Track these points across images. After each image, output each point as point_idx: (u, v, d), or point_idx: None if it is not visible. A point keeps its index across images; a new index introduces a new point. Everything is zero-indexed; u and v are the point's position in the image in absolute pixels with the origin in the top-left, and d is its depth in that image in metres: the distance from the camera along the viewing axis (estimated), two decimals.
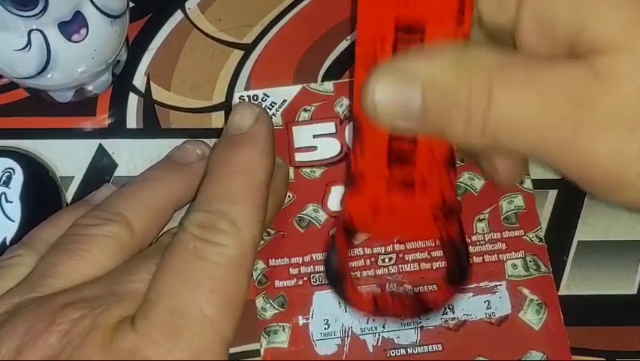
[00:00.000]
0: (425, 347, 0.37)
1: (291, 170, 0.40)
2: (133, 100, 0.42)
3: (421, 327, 0.37)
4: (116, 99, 0.42)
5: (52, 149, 0.40)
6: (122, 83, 0.42)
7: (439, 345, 0.37)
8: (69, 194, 0.40)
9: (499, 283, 0.38)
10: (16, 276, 0.32)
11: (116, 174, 0.40)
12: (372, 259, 0.38)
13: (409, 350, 0.37)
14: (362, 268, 0.38)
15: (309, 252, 0.38)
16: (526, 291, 0.38)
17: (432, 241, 0.38)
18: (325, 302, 0.38)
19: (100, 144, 0.41)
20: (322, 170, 0.40)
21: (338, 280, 0.36)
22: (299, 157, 0.40)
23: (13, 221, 0.37)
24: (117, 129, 0.41)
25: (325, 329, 0.37)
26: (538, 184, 0.40)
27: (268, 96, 0.41)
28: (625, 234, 0.40)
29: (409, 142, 0.31)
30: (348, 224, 0.35)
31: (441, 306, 0.36)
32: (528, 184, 0.40)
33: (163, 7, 0.43)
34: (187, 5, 0.43)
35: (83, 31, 0.37)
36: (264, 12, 0.44)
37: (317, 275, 0.38)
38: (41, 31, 0.35)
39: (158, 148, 0.40)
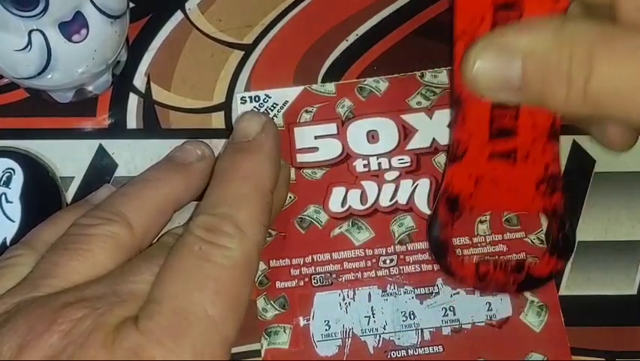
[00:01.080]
0: (426, 348, 0.37)
1: (293, 171, 0.40)
2: (133, 100, 0.42)
3: (422, 329, 0.37)
4: (116, 100, 0.41)
5: (53, 149, 0.40)
6: (122, 83, 0.42)
7: (440, 347, 0.37)
8: (69, 194, 0.39)
9: None
10: (16, 276, 0.32)
11: (116, 174, 0.40)
12: (374, 260, 0.38)
13: (410, 352, 0.37)
14: (363, 270, 0.38)
15: (310, 253, 0.38)
16: (527, 293, 0.38)
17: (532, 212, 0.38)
18: (326, 303, 0.38)
19: (100, 145, 0.40)
20: (323, 171, 0.40)
21: (441, 251, 0.36)
22: (300, 158, 0.40)
23: (14, 221, 0.37)
24: (117, 130, 0.41)
25: (326, 330, 0.37)
26: None
27: (270, 97, 0.41)
28: (625, 234, 0.40)
29: (510, 114, 0.31)
30: (450, 194, 0.35)
31: (545, 277, 0.36)
32: None
33: (163, 7, 0.43)
34: (187, 6, 0.43)
35: (84, 31, 0.36)
36: (264, 12, 0.44)
37: (318, 276, 0.38)
38: (42, 32, 0.35)
39: (159, 148, 0.40)
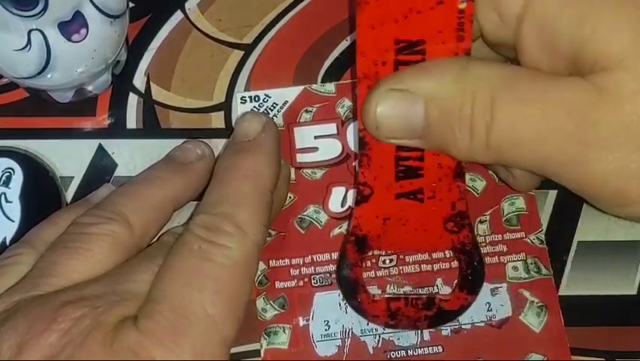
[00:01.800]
0: (425, 348, 0.37)
1: (292, 171, 0.40)
2: (133, 100, 0.42)
3: (421, 329, 0.37)
4: (116, 99, 0.41)
5: (52, 149, 0.40)
6: (121, 83, 0.42)
7: (440, 347, 0.37)
8: (69, 194, 0.39)
9: (500, 286, 0.38)
10: (16, 274, 0.32)
11: (115, 174, 0.40)
12: (373, 261, 0.38)
13: (410, 352, 0.37)
14: (362, 270, 0.38)
15: (309, 253, 0.38)
16: (526, 293, 0.38)
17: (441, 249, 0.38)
18: (326, 303, 0.38)
19: (100, 144, 0.40)
20: (323, 171, 0.40)
21: (351, 291, 0.36)
22: (300, 158, 0.40)
23: (13, 221, 0.37)
24: (117, 129, 0.41)
25: (325, 330, 0.37)
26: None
27: (270, 97, 0.41)
28: (625, 234, 0.40)
29: (415, 155, 0.31)
30: (357, 235, 0.35)
31: (455, 312, 0.36)
32: None
33: (163, 7, 0.43)
34: (187, 5, 0.43)
35: (83, 31, 0.36)
36: (264, 12, 0.44)
37: (317, 276, 0.38)
38: (41, 31, 0.35)
39: (158, 148, 0.40)
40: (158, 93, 0.42)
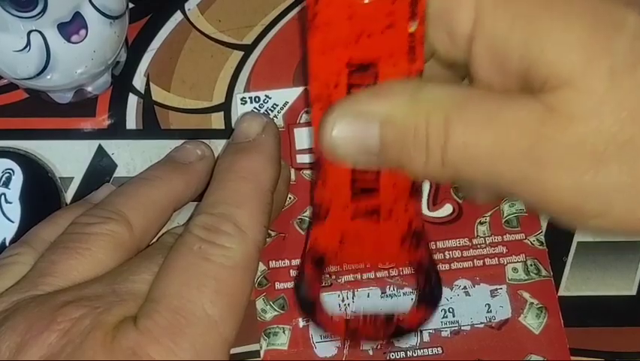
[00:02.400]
0: (425, 350, 0.37)
1: (293, 172, 0.40)
2: (132, 101, 0.41)
3: (421, 330, 0.37)
4: (116, 100, 0.41)
5: (52, 150, 0.40)
6: (121, 84, 0.42)
7: (439, 348, 0.37)
8: (69, 195, 0.39)
9: (500, 287, 0.38)
10: (15, 275, 0.32)
11: (115, 174, 0.40)
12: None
13: (409, 353, 0.37)
14: (362, 271, 0.38)
15: None
16: (526, 295, 0.38)
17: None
18: (325, 304, 0.37)
19: (99, 145, 0.40)
20: None
21: (311, 310, 0.36)
22: (300, 159, 0.40)
23: (13, 222, 0.37)
24: (117, 130, 0.41)
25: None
26: None
27: (270, 98, 0.41)
28: None
29: (371, 174, 0.31)
30: (315, 254, 0.35)
31: (414, 328, 0.36)
32: None
33: (162, 8, 0.43)
34: (186, 6, 0.43)
35: (83, 32, 0.36)
36: (264, 13, 0.43)
37: None
38: (41, 32, 0.35)
39: (158, 149, 0.40)
40: (157, 94, 0.42)
